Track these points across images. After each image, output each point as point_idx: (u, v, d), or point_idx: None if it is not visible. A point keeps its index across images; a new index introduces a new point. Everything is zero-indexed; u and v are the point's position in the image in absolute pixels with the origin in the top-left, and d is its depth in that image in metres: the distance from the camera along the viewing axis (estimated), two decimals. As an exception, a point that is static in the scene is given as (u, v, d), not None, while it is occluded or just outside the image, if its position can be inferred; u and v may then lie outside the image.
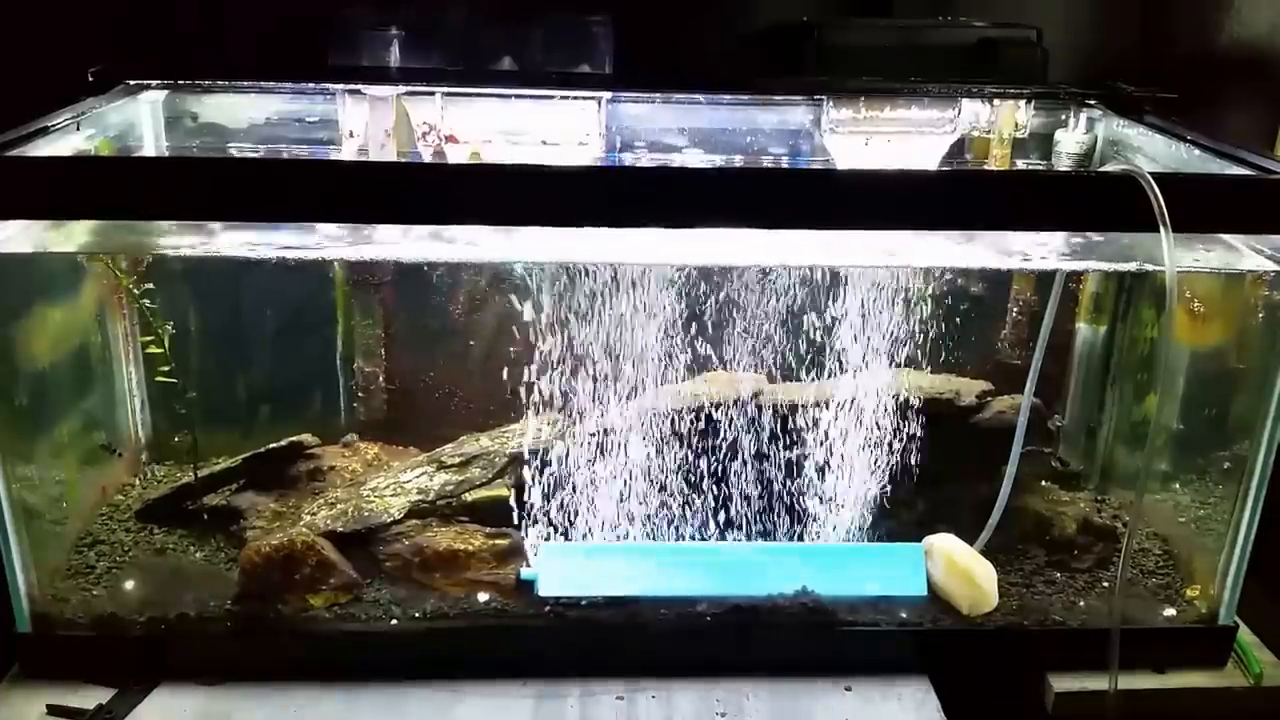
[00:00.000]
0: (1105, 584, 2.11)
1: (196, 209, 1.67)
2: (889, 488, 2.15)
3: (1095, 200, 1.71)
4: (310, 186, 1.66)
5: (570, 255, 1.92)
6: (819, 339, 2.14)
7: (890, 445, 2.14)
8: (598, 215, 1.68)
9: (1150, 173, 1.65)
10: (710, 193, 1.70)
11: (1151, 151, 2.10)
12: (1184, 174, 1.89)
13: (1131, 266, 1.85)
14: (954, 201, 1.73)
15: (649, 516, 2.13)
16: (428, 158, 2.14)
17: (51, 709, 1.81)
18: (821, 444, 2.15)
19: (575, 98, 2.14)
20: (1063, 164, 2.25)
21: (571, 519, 2.11)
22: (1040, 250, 1.86)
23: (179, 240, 1.78)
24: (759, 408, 2.14)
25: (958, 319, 2.22)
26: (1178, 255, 1.63)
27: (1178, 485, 2.20)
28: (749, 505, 2.15)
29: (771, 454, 2.15)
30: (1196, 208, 1.67)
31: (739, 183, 1.76)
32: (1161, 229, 1.62)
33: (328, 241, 1.78)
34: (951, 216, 1.73)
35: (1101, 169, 1.88)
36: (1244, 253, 1.83)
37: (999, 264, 1.91)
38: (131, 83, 2.13)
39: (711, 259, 1.97)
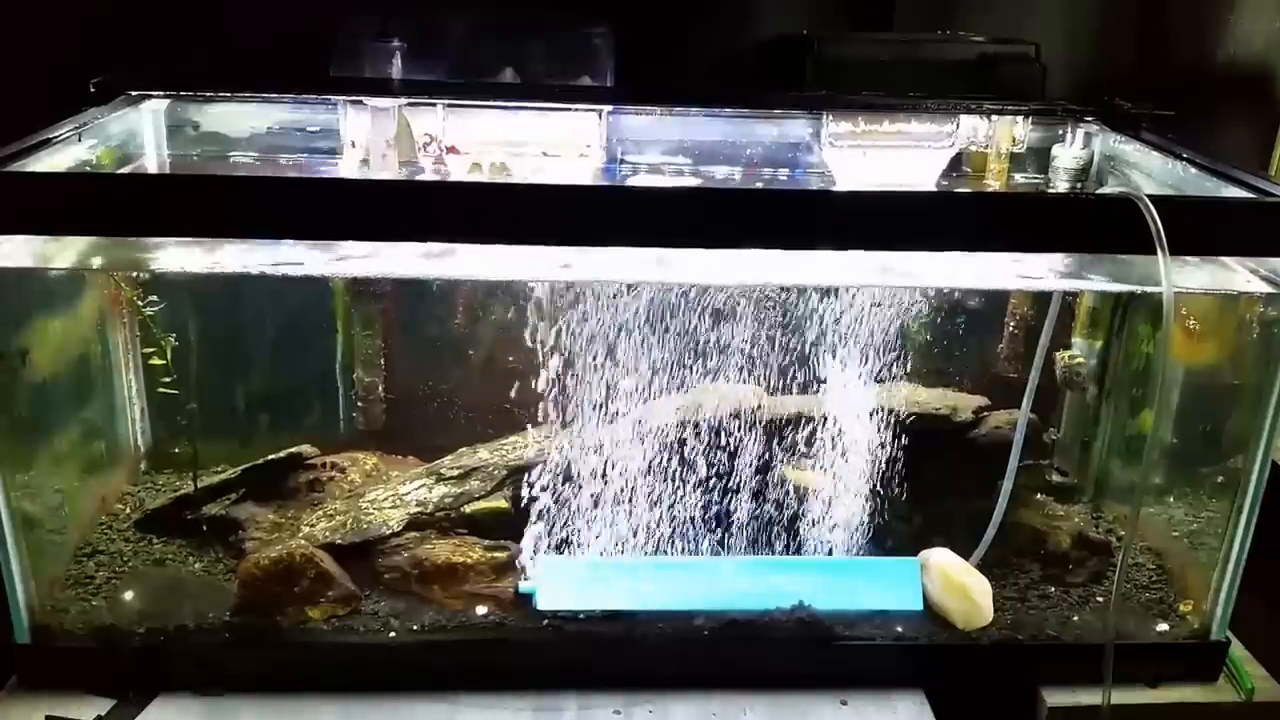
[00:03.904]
0: (1099, 599, 2.12)
1: (200, 226, 1.67)
2: (885, 502, 2.16)
3: (1092, 222, 1.72)
4: (310, 204, 1.66)
5: (568, 273, 1.92)
6: (814, 354, 2.15)
7: (886, 459, 2.15)
8: (597, 236, 1.69)
9: (1148, 195, 1.66)
10: (708, 213, 1.71)
11: (1148, 168, 2.11)
12: (1181, 196, 1.91)
13: (1129, 289, 1.86)
14: (951, 222, 1.74)
15: (646, 530, 2.14)
16: (429, 169, 2.15)
17: (51, 720, 1.82)
18: (818, 457, 2.16)
19: (576, 109, 2.14)
20: (1060, 179, 2.26)
21: (569, 532, 2.11)
22: (1038, 268, 1.87)
23: (181, 254, 1.78)
24: (756, 421, 2.15)
25: (954, 335, 2.23)
26: (1173, 273, 1.64)
27: (1171, 500, 2.21)
28: (745, 519, 2.16)
29: (768, 467, 2.16)
30: (1194, 230, 1.69)
31: (737, 204, 1.76)
32: (1159, 251, 1.63)
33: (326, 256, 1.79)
34: (948, 237, 1.73)
35: (1099, 191, 1.89)
36: (1238, 271, 1.84)
37: (995, 283, 1.92)
38: (133, 93, 2.14)
39: (707, 277, 1.97)
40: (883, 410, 2.14)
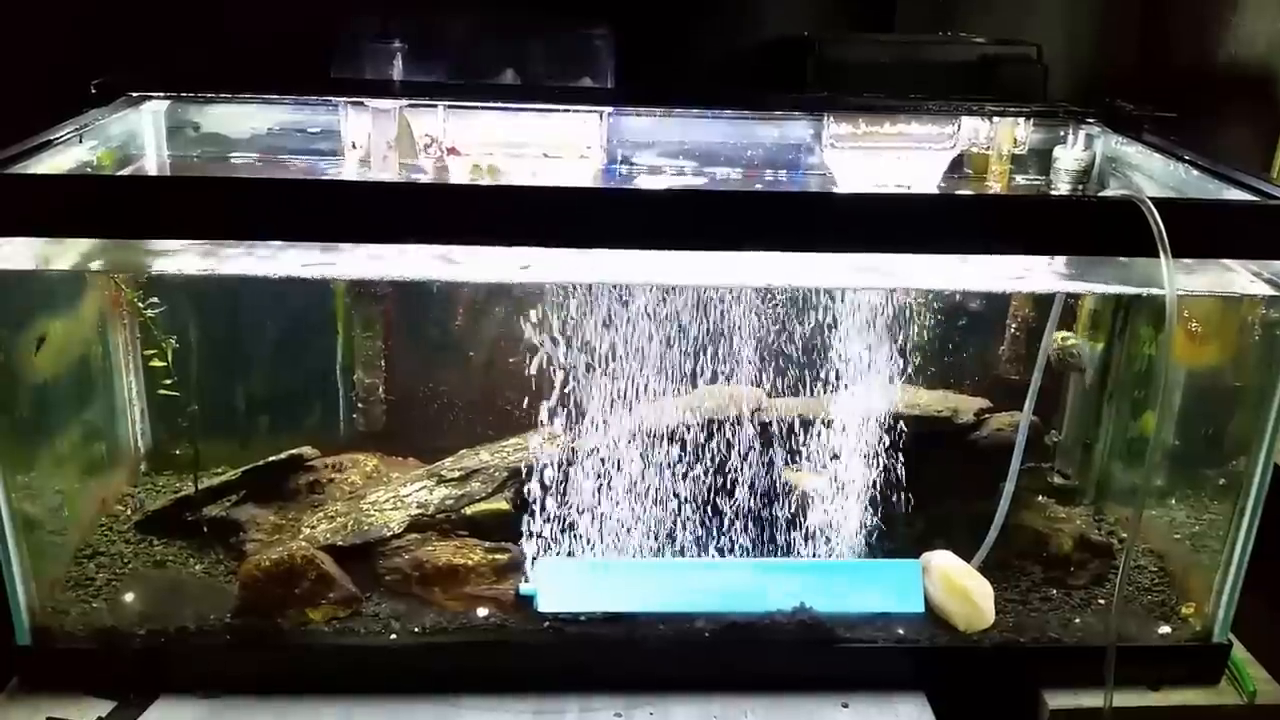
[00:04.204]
0: (1101, 601, 2.12)
1: (201, 229, 1.68)
2: (886, 504, 2.16)
3: (1095, 225, 1.72)
4: (311, 206, 1.67)
5: (569, 275, 1.93)
6: (817, 356, 2.15)
7: (887, 462, 2.15)
8: (597, 238, 1.69)
9: (1151, 198, 1.66)
10: (708, 216, 1.71)
11: (1149, 170, 2.11)
12: (1184, 199, 1.90)
13: (1131, 291, 1.86)
14: (952, 225, 1.74)
15: (647, 531, 2.14)
16: (430, 170, 2.14)
17: (51, 722, 1.82)
18: (819, 460, 2.16)
19: (577, 111, 2.14)
20: (1061, 180, 2.25)
21: (570, 534, 2.11)
22: (1040, 269, 1.87)
23: (181, 257, 1.78)
24: (757, 422, 2.15)
25: (955, 337, 2.23)
26: (1176, 276, 1.64)
27: (1173, 502, 2.21)
28: (746, 521, 2.16)
29: (770, 469, 2.16)
30: (1197, 233, 1.69)
31: (737, 206, 1.76)
32: (1161, 254, 1.63)
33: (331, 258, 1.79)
34: (950, 240, 1.74)
35: (1102, 194, 1.89)
36: (1239, 273, 1.84)
37: (997, 286, 1.91)
38: (134, 94, 2.13)
39: (707, 279, 1.97)
40: (884, 412, 2.14)
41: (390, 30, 2.25)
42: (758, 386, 2.18)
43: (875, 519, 2.16)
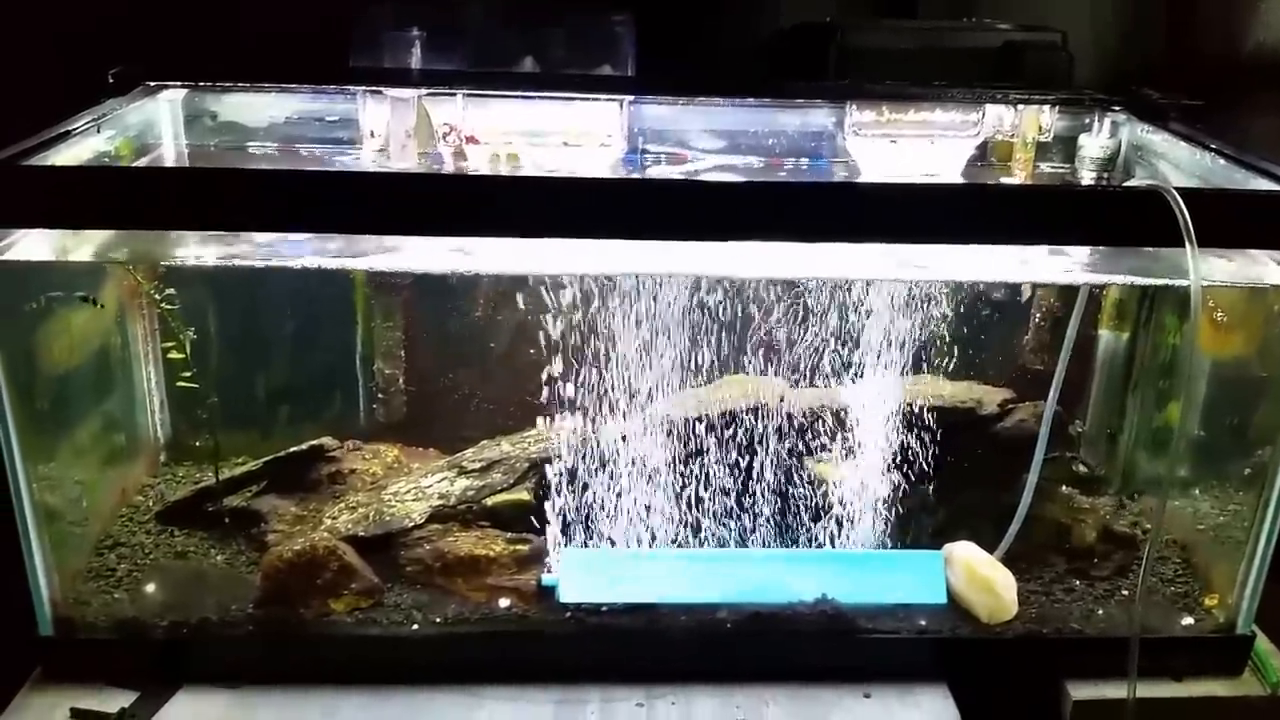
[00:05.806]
0: (1124, 592, 2.11)
1: (218, 220, 1.67)
2: (909, 495, 2.16)
3: (1121, 215, 1.70)
4: (330, 198, 1.66)
5: (593, 266, 1.92)
6: (840, 346, 2.14)
7: (910, 453, 2.14)
8: (620, 228, 1.69)
9: (1177, 188, 1.64)
10: (735, 207, 1.70)
11: (1175, 159, 2.09)
12: (1210, 190, 1.88)
13: (1156, 282, 1.84)
14: (978, 215, 1.73)
15: (669, 522, 2.13)
16: (448, 158, 2.13)
17: (75, 713, 1.82)
18: (842, 450, 2.15)
19: (597, 99, 2.13)
20: (1086, 169, 2.23)
21: (591, 525, 2.11)
22: (1066, 260, 1.86)
23: (199, 247, 1.78)
24: (780, 413, 2.14)
25: (979, 327, 2.22)
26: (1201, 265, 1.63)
27: (1198, 493, 2.20)
28: (769, 511, 2.15)
29: (792, 459, 2.15)
30: (1223, 224, 1.68)
31: (760, 196, 1.74)
32: (1187, 245, 1.62)
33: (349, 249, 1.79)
34: (975, 230, 1.73)
35: (1128, 184, 1.87)
36: (1265, 262, 1.83)
37: (1023, 276, 1.90)
38: (151, 83, 2.13)
39: (731, 269, 1.97)
40: (907, 403, 2.13)
41: (409, 18, 2.23)
42: (779, 377, 2.17)
43: (898, 510, 2.16)
